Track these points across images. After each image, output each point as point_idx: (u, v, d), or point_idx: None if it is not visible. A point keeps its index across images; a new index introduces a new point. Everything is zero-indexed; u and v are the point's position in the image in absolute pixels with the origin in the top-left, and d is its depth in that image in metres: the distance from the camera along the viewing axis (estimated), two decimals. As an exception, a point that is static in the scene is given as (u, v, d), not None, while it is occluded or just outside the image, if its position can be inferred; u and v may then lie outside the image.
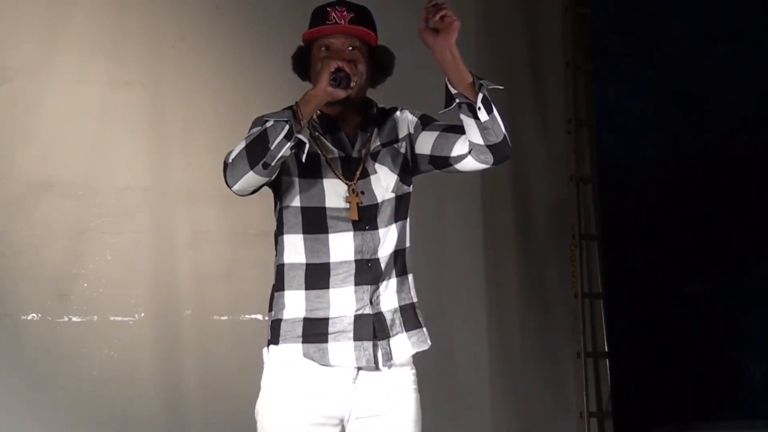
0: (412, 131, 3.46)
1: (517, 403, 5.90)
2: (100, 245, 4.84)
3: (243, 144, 3.19)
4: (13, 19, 4.80)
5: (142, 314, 4.87)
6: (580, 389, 6.00)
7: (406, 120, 3.48)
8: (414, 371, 3.40)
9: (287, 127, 3.16)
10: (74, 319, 4.77)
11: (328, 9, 3.38)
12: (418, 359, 5.60)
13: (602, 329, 6.14)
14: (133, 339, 4.83)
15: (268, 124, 3.17)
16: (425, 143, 3.43)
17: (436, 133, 3.42)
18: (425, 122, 3.47)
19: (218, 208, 4.96)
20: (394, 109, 3.51)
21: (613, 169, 6.71)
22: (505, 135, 3.29)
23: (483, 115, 3.28)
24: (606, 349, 6.14)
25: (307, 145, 3.22)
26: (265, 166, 3.16)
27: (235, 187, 3.22)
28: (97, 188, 4.86)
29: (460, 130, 3.35)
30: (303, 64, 3.42)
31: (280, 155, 3.16)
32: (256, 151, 3.16)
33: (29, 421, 4.66)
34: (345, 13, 3.38)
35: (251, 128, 3.28)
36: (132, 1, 5.01)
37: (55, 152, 4.81)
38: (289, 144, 3.16)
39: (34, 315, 4.72)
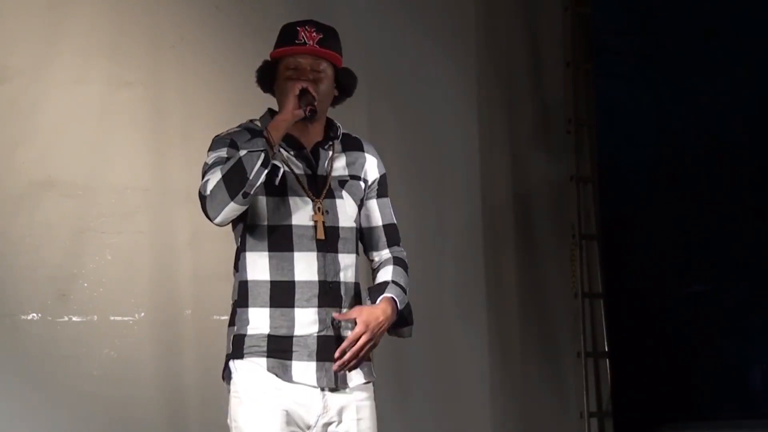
0: (369, 183, 3.55)
1: (517, 403, 5.90)
2: (100, 245, 4.84)
3: (219, 176, 3.28)
4: (13, 19, 4.79)
5: (142, 314, 4.87)
6: (580, 389, 6.00)
7: (373, 169, 3.56)
8: (370, 384, 3.49)
9: (263, 155, 3.25)
10: (74, 319, 4.77)
11: (297, 28, 3.49)
12: (418, 359, 5.61)
13: (602, 329, 6.14)
14: (133, 339, 4.83)
15: (242, 154, 3.26)
16: (371, 215, 3.55)
17: (379, 223, 3.55)
18: (380, 189, 3.57)
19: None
20: (360, 143, 3.59)
21: (613, 169, 6.71)
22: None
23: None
24: (606, 349, 6.14)
25: (282, 170, 3.34)
26: (245, 195, 3.25)
27: (218, 220, 3.31)
28: (97, 188, 4.85)
29: (391, 240, 3.55)
30: (268, 77, 3.52)
31: (258, 183, 3.26)
32: (235, 181, 3.25)
33: (29, 421, 4.66)
34: (314, 33, 3.48)
35: (212, 147, 3.41)
36: (132, 1, 5.01)
37: (55, 152, 4.81)
38: (266, 171, 3.26)
39: (34, 315, 4.72)
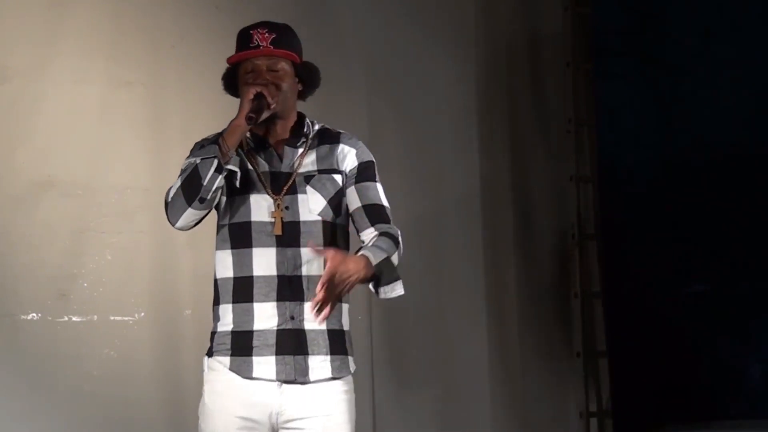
0: (347, 173, 3.55)
1: (517, 403, 5.90)
2: (100, 245, 4.84)
3: (179, 183, 3.41)
4: (13, 19, 4.80)
5: (142, 314, 4.87)
6: (580, 389, 6.00)
7: (350, 158, 3.56)
8: (344, 380, 3.49)
9: (216, 162, 3.35)
10: (74, 319, 4.77)
11: (251, 32, 3.56)
12: (418, 359, 5.61)
13: (602, 329, 6.14)
14: (133, 339, 4.84)
15: (197, 161, 3.38)
16: (351, 200, 3.54)
17: (358, 204, 3.52)
18: (360, 176, 3.55)
19: (218, 207, 4.97)
20: (338, 136, 3.60)
21: (613, 169, 6.71)
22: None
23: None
24: (606, 349, 6.13)
25: (239, 173, 3.42)
26: (202, 200, 3.38)
27: (178, 224, 3.45)
28: (97, 188, 4.86)
29: (373, 218, 3.51)
30: (232, 84, 3.58)
31: (214, 188, 3.37)
32: (191, 188, 3.38)
33: (29, 421, 4.66)
34: (267, 34, 3.54)
35: (192, 151, 3.50)
36: (132, 1, 5.02)
37: (55, 152, 4.81)
38: (221, 176, 3.37)
39: (34, 315, 4.72)
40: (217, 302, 3.53)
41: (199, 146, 3.50)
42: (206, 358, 3.52)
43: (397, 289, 3.46)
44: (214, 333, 3.52)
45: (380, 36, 5.68)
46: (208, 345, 3.54)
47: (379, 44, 5.65)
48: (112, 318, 4.84)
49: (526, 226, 6.07)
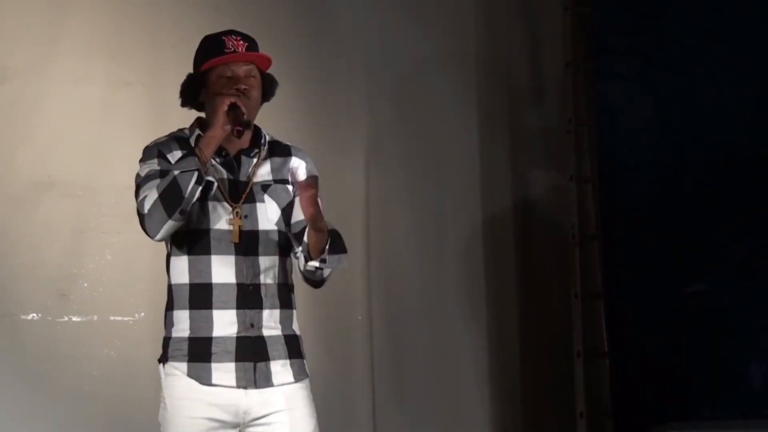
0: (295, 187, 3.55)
1: (517, 403, 5.90)
2: (100, 245, 4.85)
3: (155, 194, 3.38)
4: (13, 19, 4.81)
5: (142, 314, 4.87)
6: (580, 389, 6.00)
7: (300, 170, 3.58)
8: (303, 382, 3.53)
9: (196, 174, 3.35)
10: (74, 319, 4.77)
11: (223, 38, 3.53)
12: (418, 359, 5.61)
13: (602, 329, 6.14)
14: (133, 339, 4.84)
15: (176, 173, 3.36)
16: (294, 213, 3.55)
17: (302, 222, 3.51)
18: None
19: (218, 208, 4.96)
20: (289, 148, 3.63)
21: (613, 169, 6.70)
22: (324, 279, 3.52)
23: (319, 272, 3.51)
24: (606, 349, 6.13)
25: (215, 184, 3.43)
26: (182, 212, 3.36)
27: (158, 237, 3.43)
28: (97, 188, 4.86)
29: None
30: (193, 91, 3.60)
31: (194, 200, 3.36)
32: (171, 200, 3.36)
33: (29, 421, 4.66)
34: (241, 41, 3.52)
35: (143, 158, 3.53)
36: (132, 1, 5.02)
37: (55, 152, 4.82)
38: (200, 188, 3.36)
39: (34, 315, 4.72)
40: (170, 308, 3.52)
41: (155, 152, 3.52)
42: (161, 365, 3.52)
43: (342, 262, 3.47)
44: (168, 339, 3.51)
45: (380, 36, 5.69)
46: (162, 351, 3.54)
47: (379, 44, 5.66)
48: (112, 318, 4.84)
49: (526, 226, 6.07)
